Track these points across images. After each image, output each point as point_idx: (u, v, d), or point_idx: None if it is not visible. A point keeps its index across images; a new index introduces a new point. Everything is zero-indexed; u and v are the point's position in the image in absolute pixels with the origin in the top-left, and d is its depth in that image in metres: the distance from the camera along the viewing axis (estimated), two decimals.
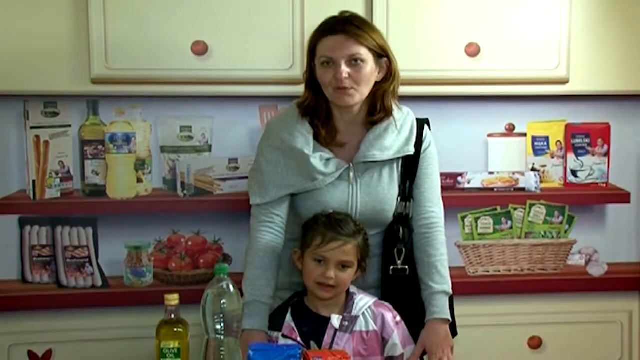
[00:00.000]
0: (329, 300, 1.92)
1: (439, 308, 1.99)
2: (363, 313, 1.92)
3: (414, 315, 2.01)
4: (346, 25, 1.95)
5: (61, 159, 2.48)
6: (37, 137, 2.45)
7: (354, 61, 1.94)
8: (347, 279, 1.91)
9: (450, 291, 2.03)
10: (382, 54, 1.99)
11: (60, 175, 2.48)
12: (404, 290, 2.03)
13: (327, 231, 1.89)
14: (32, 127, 2.45)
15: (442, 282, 2.01)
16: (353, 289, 1.97)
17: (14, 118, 2.45)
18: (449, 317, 2.00)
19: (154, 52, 2.44)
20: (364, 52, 1.94)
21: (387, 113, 2.02)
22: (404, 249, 2.04)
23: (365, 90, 1.98)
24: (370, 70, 1.96)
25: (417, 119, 2.08)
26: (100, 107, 2.48)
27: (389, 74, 2.02)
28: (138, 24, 2.43)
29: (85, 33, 2.41)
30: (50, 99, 2.45)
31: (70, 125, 2.48)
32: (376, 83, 2.01)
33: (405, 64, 2.40)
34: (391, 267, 2.04)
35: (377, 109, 2.02)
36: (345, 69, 1.93)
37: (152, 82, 2.45)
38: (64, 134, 2.48)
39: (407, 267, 2.04)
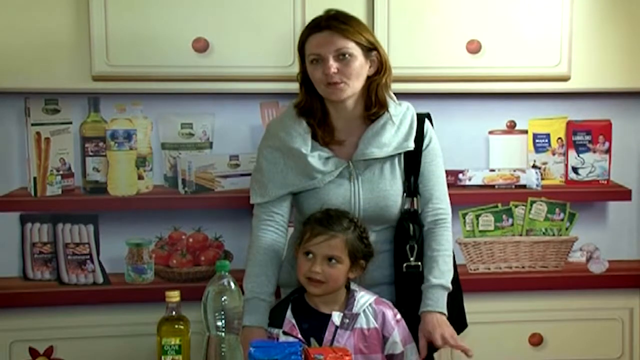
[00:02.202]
0: (327, 297, 1.91)
1: (433, 301, 1.98)
2: (364, 310, 1.91)
3: None
4: (331, 21, 1.96)
5: (62, 156, 2.48)
6: (38, 134, 2.45)
7: (342, 55, 1.94)
8: (336, 275, 1.89)
9: (448, 285, 2.00)
10: (370, 47, 1.99)
11: (61, 172, 2.48)
12: (418, 287, 2.02)
13: (316, 225, 1.90)
14: (33, 124, 2.45)
15: (439, 276, 2.00)
16: (354, 286, 1.96)
17: (15, 115, 2.45)
18: (444, 311, 1.98)
19: (155, 49, 2.44)
20: (351, 46, 1.95)
21: (382, 106, 2.02)
22: (415, 246, 2.04)
23: (356, 84, 1.98)
24: (360, 64, 1.96)
25: (418, 114, 2.08)
26: (101, 104, 2.48)
27: (381, 67, 2.02)
28: (139, 21, 2.43)
29: (86, 30, 2.41)
30: (51, 96, 2.46)
31: (71, 122, 2.48)
32: (368, 77, 2.01)
33: (407, 60, 2.41)
34: (404, 264, 2.04)
35: (372, 103, 2.02)
36: (333, 64, 1.93)
37: (153, 79, 2.45)
38: (65, 131, 2.48)
39: (419, 263, 2.04)
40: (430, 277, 2.00)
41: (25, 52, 2.40)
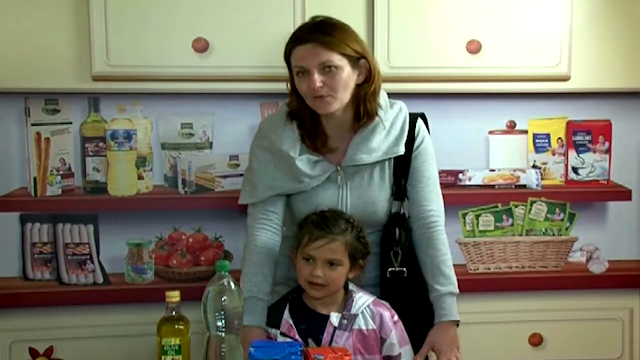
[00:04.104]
0: (326, 299, 1.91)
1: (447, 310, 1.98)
2: (362, 311, 1.91)
3: (414, 316, 2.00)
4: (315, 34, 1.90)
5: (62, 156, 2.48)
6: (39, 134, 2.45)
7: (327, 68, 1.90)
8: (338, 278, 1.89)
9: (457, 291, 2.01)
10: (358, 56, 1.95)
11: (61, 172, 2.48)
12: (403, 292, 2.02)
13: (314, 229, 1.88)
14: (33, 124, 2.45)
15: (447, 284, 2.00)
16: (352, 287, 1.96)
17: (15, 115, 2.45)
18: (458, 319, 1.99)
19: (155, 49, 2.44)
20: (337, 59, 1.90)
21: (371, 116, 1.99)
22: (400, 252, 2.02)
23: (344, 96, 1.94)
24: (347, 75, 1.92)
25: (411, 114, 2.05)
26: (101, 104, 2.48)
27: (370, 76, 1.98)
28: (139, 21, 2.43)
29: (86, 30, 2.41)
30: (51, 96, 2.45)
31: (71, 123, 2.48)
32: (358, 85, 1.97)
33: (407, 61, 2.41)
34: (389, 270, 2.03)
35: (361, 114, 1.99)
36: (318, 78, 1.89)
37: (153, 79, 2.45)
38: (65, 131, 2.48)
39: (405, 269, 2.03)
40: (438, 286, 2.00)
41: (26, 52, 2.40)
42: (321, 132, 2.01)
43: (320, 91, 1.90)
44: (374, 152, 1.98)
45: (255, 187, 2.02)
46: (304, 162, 1.97)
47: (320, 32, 1.91)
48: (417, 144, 2.04)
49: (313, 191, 2.00)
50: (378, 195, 2.02)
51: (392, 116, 2.02)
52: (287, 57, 1.97)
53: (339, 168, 2.00)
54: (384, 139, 1.99)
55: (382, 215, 2.04)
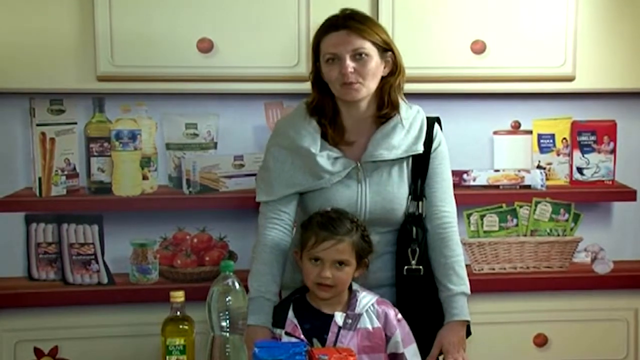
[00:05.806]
0: (331, 298, 1.91)
1: (458, 310, 1.99)
2: (367, 310, 1.91)
3: (429, 314, 2.01)
4: (348, 21, 1.95)
5: (67, 156, 2.48)
6: (43, 134, 2.46)
7: (359, 55, 1.93)
8: (345, 278, 1.89)
9: (468, 291, 2.02)
10: (386, 47, 1.99)
11: (66, 172, 2.49)
12: (419, 290, 2.03)
13: (320, 230, 1.88)
14: (38, 125, 2.45)
15: (459, 283, 2.01)
16: (355, 286, 1.96)
17: (20, 115, 2.46)
18: (469, 318, 2.00)
19: (160, 49, 2.44)
20: (368, 46, 1.94)
21: (394, 107, 2.02)
22: (417, 249, 2.03)
23: (371, 84, 1.97)
24: (376, 64, 1.96)
25: (428, 117, 2.07)
26: (105, 105, 2.49)
27: (395, 68, 2.02)
28: (143, 21, 2.43)
29: (90, 30, 2.41)
30: (56, 96, 2.46)
31: (76, 123, 2.48)
32: (382, 78, 2.01)
33: (411, 61, 2.39)
34: (405, 267, 2.04)
35: (384, 104, 2.01)
36: (350, 64, 1.92)
37: (157, 80, 2.45)
38: (69, 131, 2.48)
39: (421, 267, 2.03)
40: (451, 285, 2.01)
41: (30, 52, 2.40)
42: (339, 124, 2.03)
43: (351, 77, 1.93)
44: (394, 148, 2.00)
45: (272, 185, 2.02)
46: (324, 158, 1.98)
47: (353, 20, 1.95)
48: (434, 145, 2.06)
49: (332, 188, 2.00)
50: (396, 193, 2.03)
51: (410, 116, 2.05)
52: (316, 45, 2.00)
53: (359, 164, 2.01)
54: (403, 137, 2.01)
55: (399, 214, 2.04)
